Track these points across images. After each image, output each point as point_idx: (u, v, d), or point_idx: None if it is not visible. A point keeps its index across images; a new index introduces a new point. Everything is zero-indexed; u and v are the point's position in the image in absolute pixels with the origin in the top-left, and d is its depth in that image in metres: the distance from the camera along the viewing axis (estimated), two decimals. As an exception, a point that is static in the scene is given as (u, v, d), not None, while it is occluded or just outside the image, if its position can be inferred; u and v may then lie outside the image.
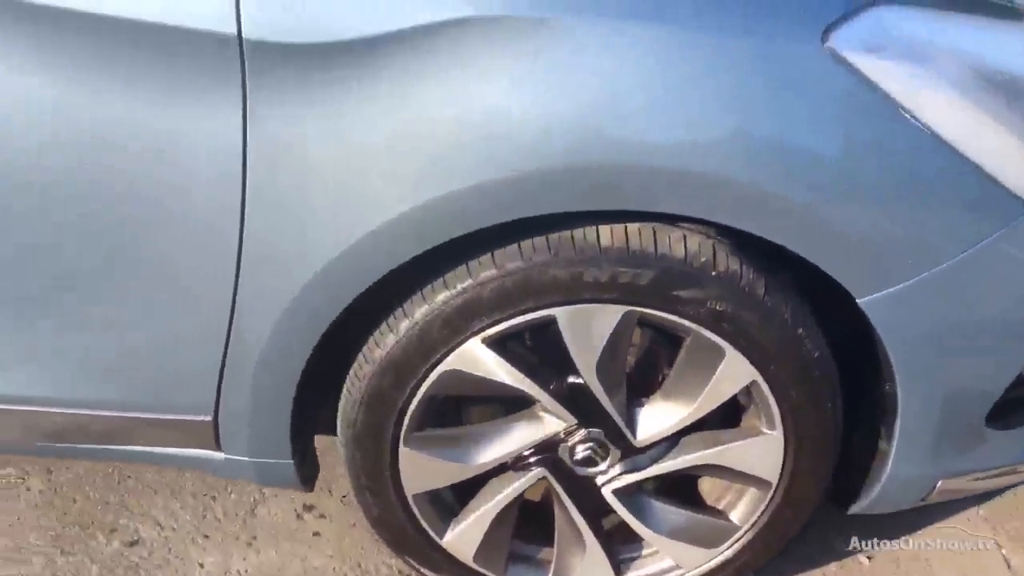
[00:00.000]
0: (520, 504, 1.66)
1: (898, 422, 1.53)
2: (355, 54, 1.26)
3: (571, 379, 1.53)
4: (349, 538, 1.93)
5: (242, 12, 1.24)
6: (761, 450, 1.56)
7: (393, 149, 1.30)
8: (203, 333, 1.44)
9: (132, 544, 1.89)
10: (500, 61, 1.26)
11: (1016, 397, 1.56)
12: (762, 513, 1.64)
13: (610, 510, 1.66)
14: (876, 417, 1.57)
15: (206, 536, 1.92)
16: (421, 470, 1.59)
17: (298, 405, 1.53)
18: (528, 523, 1.73)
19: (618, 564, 1.71)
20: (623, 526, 1.69)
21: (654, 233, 1.41)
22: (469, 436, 1.60)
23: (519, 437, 1.58)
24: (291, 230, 1.35)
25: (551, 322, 1.45)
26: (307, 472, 1.68)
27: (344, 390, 1.57)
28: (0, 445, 1.78)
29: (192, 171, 1.32)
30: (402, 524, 1.65)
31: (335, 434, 1.64)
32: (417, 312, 1.45)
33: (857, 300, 1.40)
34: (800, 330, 1.46)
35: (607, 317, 1.44)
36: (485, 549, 1.67)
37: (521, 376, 1.49)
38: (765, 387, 1.49)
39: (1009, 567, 1.93)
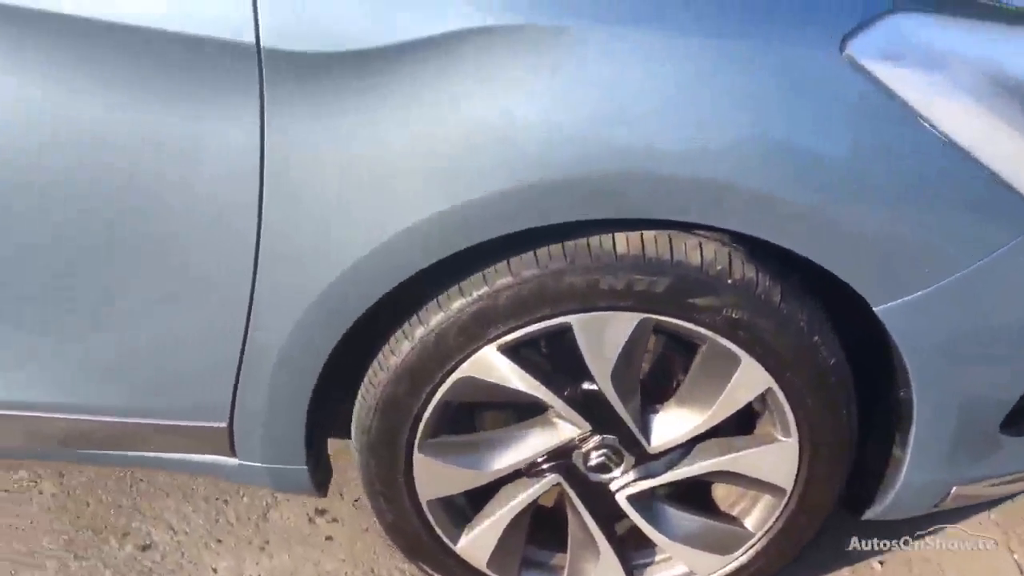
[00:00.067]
0: (533, 509, 1.67)
1: (913, 429, 1.53)
2: (371, 63, 1.26)
3: (585, 386, 1.53)
4: (361, 542, 1.93)
5: (260, 22, 1.24)
6: (776, 457, 1.56)
7: (409, 156, 1.30)
8: (219, 340, 1.45)
9: (145, 548, 1.89)
10: (519, 70, 1.26)
11: (1031, 404, 1.56)
12: (777, 519, 1.64)
13: (623, 515, 1.66)
14: (890, 423, 1.57)
15: (219, 540, 1.92)
16: (436, 476, 1.59)
17: (313, 410, 1.53)
18: (541, 528, 1.73)
19: (631, 570, 1.71)
20: (636, 531, 1.69)
21: (670, 240, 1.41)
22: (483, 443, 1.60)
23: (533, 444, 1.58)
24: (306, 237, 1.35)
25: (566, 329, 1.45)
26: (321, 477, 1.68)
27: (359, 396, 1.57)
28: (14, 451, 1.78)
29: (210, 176, 1.32)
30: (416, 530, 1.65)
31: (346, 437, 1.64)
32: (432, 319, 1.45)
33: (874, 308, 1.40)
34: (816, 337, 1.46)
35: (622, 325, 1.44)
36: (499, 555, 1.67)
37: (536, 383, 1.49)
38: (780, 394, 1.49)
39: (1021, 571, 1.93)
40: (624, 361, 1.47)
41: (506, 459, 1.58)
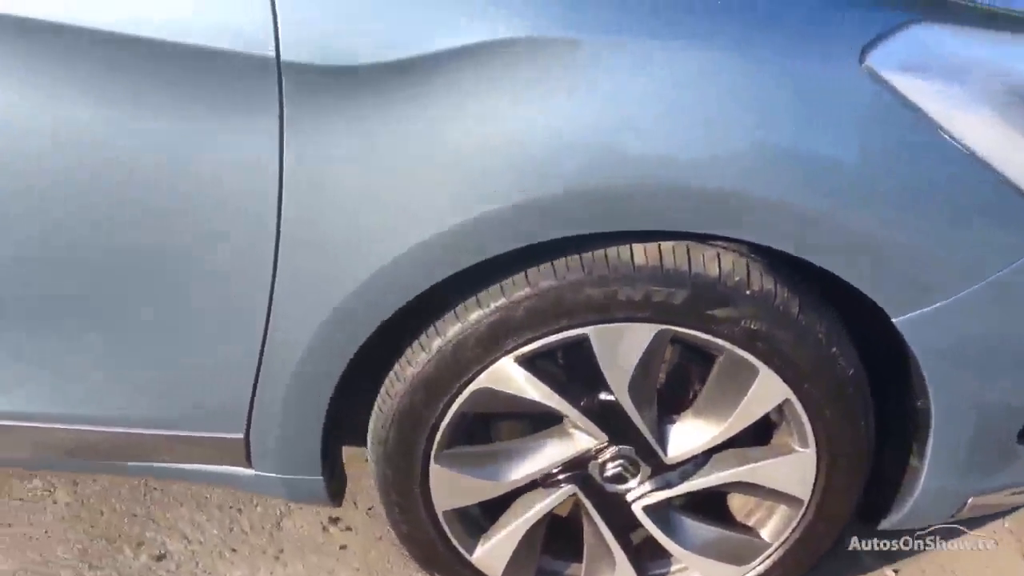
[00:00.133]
0: (548, 519, 1.66)
1: (930, 439, 1.53)
2: (390, 76, 1.26)
3: (602, 396, 1.53)
4: (375, 551, 1.93)
5: (281, 35, 1.24)
6: (794, 468, 1.56)
7: (427, 169, 1.30)
8: (237, 352, 1.44)
9: (160, 558, 1.89)
10: (537, 82, 1.26)
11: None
12: (794, 530, 1.64)
13: (638, 525, 1.66)
14: (907, 432, 1.57)
15: (233, 550, 1.92)
16: (452, 487, 1.59)
17: (329, 421, 1.53)
18: (556, 538, 1.73)
19: (647, 580, 1.71)
20: (651, 541, 1.68)
21: (688, 251, 1.40)
22: (500, 453, 1.60)
23: (550, 454, 1.58)
24: (324, 251, 1.35)
25: (583, 340, 1.45)
26: (335, 487, 1.68)
27: (375, 407, 1.56)
28: (29, 462, 1.78)
29: (228, 189, 1.32)
30: (432, 540, 1.65)
31: (359, 444, 1.64)
32: (450, 330, 1.44)
33: (893, 320, 1.40)
34: (834, 348, 1.45)
35: (640, 336, 1.44)
36: (514, 565, 1.67)
37: (553, 394, 1.49)
38: (798, 405, 1.49)
39: (1036, 580, 1.93)
40: (641, 372, 1.47)
41: (522, 470, 1.58)
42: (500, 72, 1.25)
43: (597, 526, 1.64)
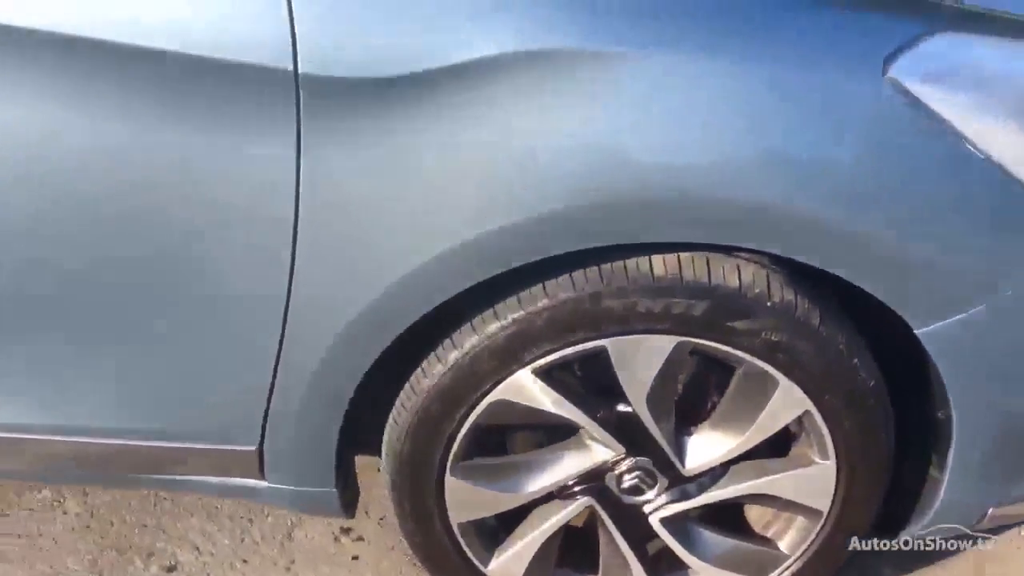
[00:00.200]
0: (563, 531, 1.65)
1: (952, 450, 1.51)
2: (409, 88, 1.25)
3: (620, 408, 1.51)
4: (388, 561, 1.92)
5: (299, 48, 1.23)
6: (813, 480, 1.55)
7: (446, 182, 1.29)
8: (252, 364, 1.43)
9: (170, 569, 1.88)
10: (558, 95, 1.25)
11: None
12: (812, 542, 1.62)
13: (655, 536, 1.64)
14: (927, 443, 1.55)
15: (244, 561, 1.90)
16: (467, 499, 1.58)
17: (344, 433, 1.52)
18: (571, 550, 1.71)
19: (663, 591, 1.70)
20: (668, 553, 1.67)
21: (708, 263, 1.39)
22: (516, 465, 1.59)
23: (567, 466, 1.56)
24: (340, 263, 1.34)
25: (601, 351, 1.43)
26: (349, 498, 1.67)
27: (390, 419, 1.55)
28: (42, 475, 1.77)
29: (245, 201, 1.31)
30: (447, 552, 1.64)
31: (369, 454, 1.63)
32: (467, 342, 1.43)
33: (915, 331, 1.38)
34: (855, 360, 1.44)
35: (659, 348, 1.42)
36: (530, 577, 1.66)
37: (570, 406, 1.48)
38: (819, 417, 1.47)
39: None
40: (660, 384, 1.46)
41: (539, 482, 1.57)
42: (521, 84, 1.24)
43: (613, 538, 1.63)
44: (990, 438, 1.51)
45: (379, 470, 1.63)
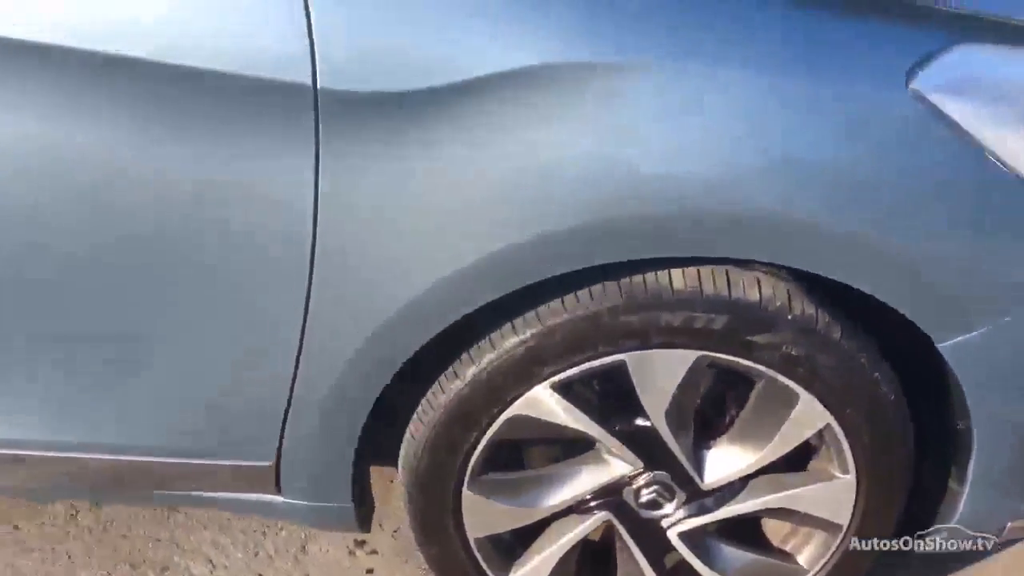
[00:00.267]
0: (581, 545, 1.64)
1: (971, 463, 1.50)
2: (428, 103, 1.24)
3: (638, 422, 1.50)
4: (402, 574, 1.91)
5: (318, 62, 1.22)
6: (833, 494, 1.54)
7: (465, 198, 1.28)
8: (269, 380, 1.43)
9: (184, 583, 1.87)
10: (578, 107, 1.24)
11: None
12: (831, 556, 1.61)
13: (672, 550, 1.63)
14: (946, 456, 1.54)
15: (259, 575, 1.89)
16: (485, 514, 1.57)
17: (361, 448, 1.51)
18: (587, 563, 1.70)
19: (681, 606, 1.68)
20: (685, 566, 1.65)
21: (727, 276, 1.38)
22: (534, 480, 1.58)
23: (585, 481, 1.56)
24: (359, 278, 1.34)
25: (619, 366, 1.42)
26: (364, 512, 1.66)
27: (407, 433, 1.54)
28: (57, 492, 1.76)
29: (263, 217, 1.30)
30: (463, 567, 1.63)
31: (383, 465, 1.62)
32: (485, 358, 1.42)
33: (937, 345, 1.38)
34: (876, 373, 1.43)
35: (678, 362, 1.42)
36: (547, 592, 1.65)
37: (589, 420, 1.47)
38: (839, 431, 1.46)
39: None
40: (678, 398, 1.45)
41: (557, 497, 1.56)
42: (540, 98, 1.24)
43: (631, 552, 1.62)
44: (1011, 451, 1.50)
45: (392, 481, 1.62)
